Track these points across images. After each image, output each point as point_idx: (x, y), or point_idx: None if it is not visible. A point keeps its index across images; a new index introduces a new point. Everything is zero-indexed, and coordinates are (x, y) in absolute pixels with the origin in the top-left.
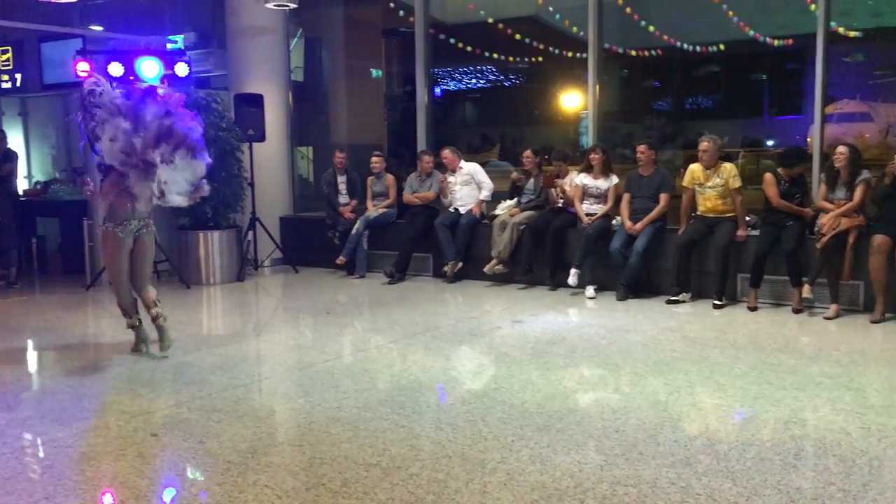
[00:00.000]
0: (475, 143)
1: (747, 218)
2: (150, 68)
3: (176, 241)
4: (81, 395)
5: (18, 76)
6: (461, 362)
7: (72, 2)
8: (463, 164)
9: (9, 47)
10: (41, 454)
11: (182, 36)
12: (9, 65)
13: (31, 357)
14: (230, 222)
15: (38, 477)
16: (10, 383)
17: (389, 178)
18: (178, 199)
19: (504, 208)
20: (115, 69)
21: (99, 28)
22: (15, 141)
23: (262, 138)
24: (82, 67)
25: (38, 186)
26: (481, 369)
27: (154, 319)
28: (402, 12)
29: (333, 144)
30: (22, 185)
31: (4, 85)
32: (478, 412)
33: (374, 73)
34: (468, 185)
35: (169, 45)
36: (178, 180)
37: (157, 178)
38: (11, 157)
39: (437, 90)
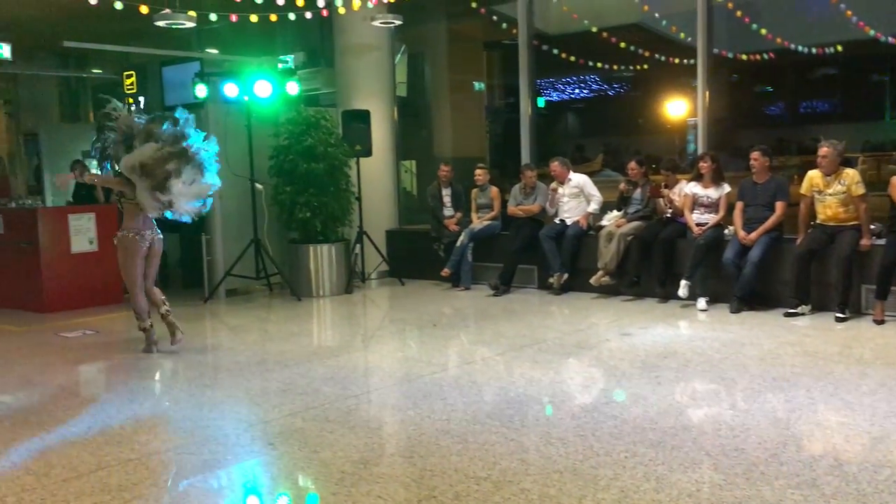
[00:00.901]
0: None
1: (872, 226)
2: (263, 88)
3: (287, 255)
4: (201, 404)
5: (142, 99)
6: (569, 375)
7: (190, 28)
8: (572, 175)
9: (133, 72)
10: (165, 461)
11: (292, 56)
12: (133, 88)
13: (155, 367)
14: (339, 236)
15: (164, 483)
16: (142, 392)
17: (494, 190)
18: (186, 214)
19: (611, 219)
20: (231, 90)
21: (215, 51)
22: None
23: (368, 153)
24: (201, 89)
25: None
26: (590, 383)
27: (165, 316)
28: (504, 25)
29: (436, 158)
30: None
31: (130, 107)
32: (588, 427)
33: (477, 86)
34: (577, 197)
35: (280, 66)
36: (187, 195)
37: (168, 192)
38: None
39: (540, 101)
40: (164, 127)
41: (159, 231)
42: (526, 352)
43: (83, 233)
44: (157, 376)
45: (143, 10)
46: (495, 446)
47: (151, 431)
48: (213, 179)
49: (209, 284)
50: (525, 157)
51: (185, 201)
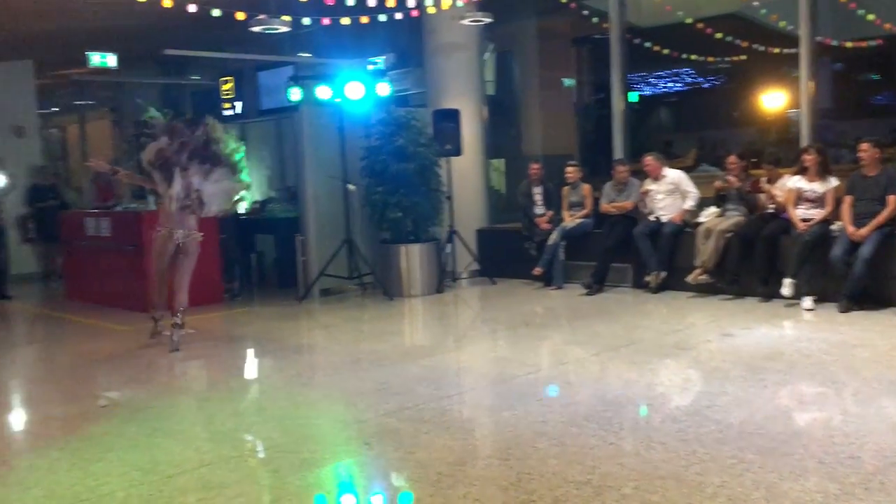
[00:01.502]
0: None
1: None
2: (354, 90)
3: (379, 255)
4: (299, 403)
5: (239, 104)
6: (668, 377)
7: (284, 32)
8: (666, 171)
9: (231, 77)
10: (265, 459)
11: (383, 57)
12: (231, 93)
13: (253, 366)
14: (429, 235)
15: (264, 481)
16: (242, 390)
17: (586, 187)
18: (215, 210)
19: (708, 215)
20: (324, 92)
21: (308, 55)
22: None
23: (458, 152)
24: (295, 92)
25: (257, 205)
26: (690, 385)
27: (174, 325)
28: (595, 19)
29: (525, 156)
30: (243, 204)
31: (227, 112)
32: (691, 431)
33: (566, 82)
34: (672, 194)
35: (370, 67)
36: (217, 193)
37: (194, 190)
38: None
39: (632, 96)
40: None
41: (195, 232)
42: (622, 352)
43: None
44: (256, 375)
45: (240, 16)
46: (594, 450)
47: (251, 429)
48: (242, 179)
49: (304, 284)
50: (617, 153)
51: (215, 199)
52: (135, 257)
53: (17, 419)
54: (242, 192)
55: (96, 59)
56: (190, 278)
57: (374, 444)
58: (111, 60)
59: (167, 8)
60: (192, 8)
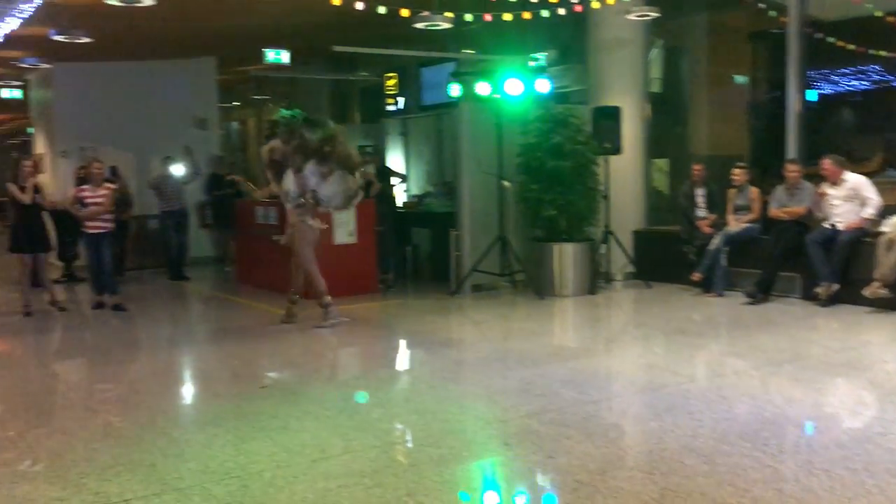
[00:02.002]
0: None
1: None
2: (514, 86)
3: (531, 253)
4: (442, 398)
5: (401, 99)
6: (837, 398)
7: (447, 29)
8: (846, 175)
9: (395, 73)
10: (405, 451)
11: (544, 53)
12: (395, 89)
13: (402, 357)
14: (584, 235)
15: (403, 473)
16: (389, 380)
17: (753, 190)
18: (334, 206)
19: (891, 225)
20: (483, 88)
21: (470, 51)
22: (395, 159)
23: (617, 151)
24: (455, 88)
25: (414, 199)
26: (862, 408)
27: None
28: (773, 13)
29: (691, 156)
30: (401, 198)
31: (390, 108)
32: (859, 459)
33: (738, 79)
34: (850, 200)
35: (531, 63)
36: (335, 195)
37: (310, 190)
38: (386, 174)
39: (811, 94)
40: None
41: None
42: (785, 368)
43: (343, 225)
44: (403, 366)
45: (404, 13)
46: (747, 471)
47: (395, 420)
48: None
49: (456, 279)
50: (790, 155)
51: (333, 199)
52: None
53: (185, 394)
54: (360, 194)
55: (271, 55)
56: (309, 269)
57: (514, 445)
58: (284, 57)
59: (337, 6)
60: (359, 5)
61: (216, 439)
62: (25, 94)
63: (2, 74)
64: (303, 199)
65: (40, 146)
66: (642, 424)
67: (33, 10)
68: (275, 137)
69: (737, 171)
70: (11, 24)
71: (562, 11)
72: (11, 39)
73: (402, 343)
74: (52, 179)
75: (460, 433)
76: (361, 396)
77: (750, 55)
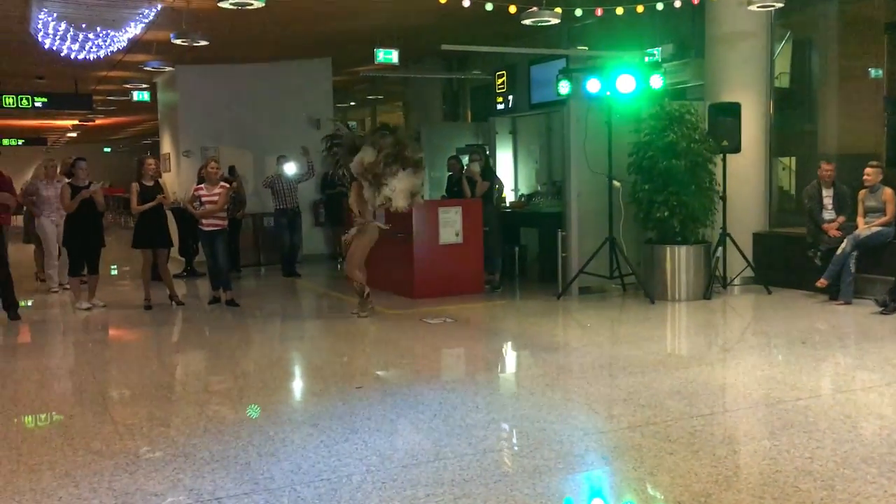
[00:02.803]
0: None
1: None
2: (626, 83)
3: (642, 255)
4: (540, 405)
5: (511, 97)
6: None
7: (556, 25)
8: None
9: (504, 71)
10: (498, 460)
11: (660, 48)
12: (504, 88)
13: (504, 360)
14: (698, 237)
15: (494, 484)
16: (488, 385)
17: (887, 191)
18: (401, 205)
19: None
20: (593, 85)
21: (584, 48)
22: (505, 157)
23: (736, 149)
24: (564, 86)
25: (523, 199)
26: None
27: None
28: None
29: (820, 154)
30: (510, 197)
31: (499, 106)
32: None
33: (873, 73)
34: None
35: (646, 59)
36: (401, 191)
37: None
38: (492, 174)
39: None
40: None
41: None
42: None
43: (451, 225)
44: (503, 371)
45: (512, 9)
46: (870, 500)
47: (489, 427)
48: (422, 176)
49: (563, 281)
50: None
51: (398, 196)
52: (404, 245)
53: (285, 392)
54: (422, 192)
55: (381, 54)
56: (360, 261)
57: (613, 459)
58: (394, 56)
59: (444, 5)
60: (466, 3)
61: (310, 439)
62: (153, 97)
63: (131, 77)
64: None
65: (166, 146)
66: (754, 443)
67: (154, 15)
68: (339, 148)
69: (869, 170)
70: (135, 30)
71: (678, 4)
72: (137, 44)
73: (505, 346)
74: (176, 178)
75: (557, 443)
76: (457, 400)
77: (886, 47)
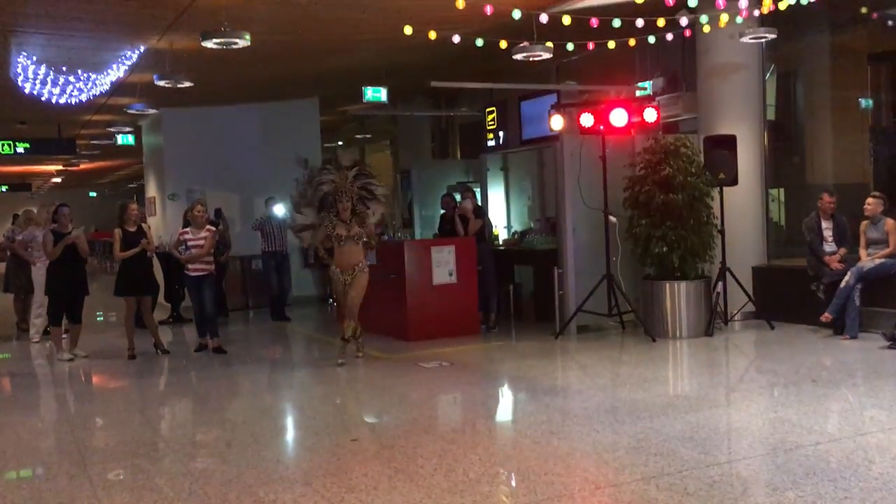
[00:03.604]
0: None
1: None
2: (618, 117)
3: (641, 292)
4: (547, 455)
5: (501, 133)
6: None
7: (548, 60)
8: None
9: (494, 108)
10: None
11: (651, 82)
12: (494, 124)
13: (503, 406)
14: (698, 272)
15: None
16: (488, 434)
17: (890, 223)
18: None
19: None
20: (586, 119)
21: (573, 83)
22: (496, 195)
23: (733, 182)
24: (556, 121)
25: (515, 236)
26: None
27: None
28: None
29: (809, 185)
30: (502, 235)
31: (490, 143)
32: None
33: (864, 103)
34: None
35: (637, 92)
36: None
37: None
38: (482, 213)
39: None
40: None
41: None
42: None
43: (444, 265)
44: (504, 418)
45: (503, 44)
46: None
47: (494, 482)
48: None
49: (561, 319)
50: None
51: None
52: (397, 286)
53: (275, 447)
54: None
55: (369, 93)
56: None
57: None
58: (383, 94)
59: (434, 41)
60: (456, 38)
61: (304, 500)
62: (138, 140)
63: (115, 121)
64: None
65: (151, 190)
66: (778, 494)
67: (137, 57)
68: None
69: (871, 200)
70: (118, 72)
71: (669, 37)
72: (120, 86)
73: (503, 390)
74: (162, 222)
75: (567, 499)
76: (458, 452)
77: (870, 77)
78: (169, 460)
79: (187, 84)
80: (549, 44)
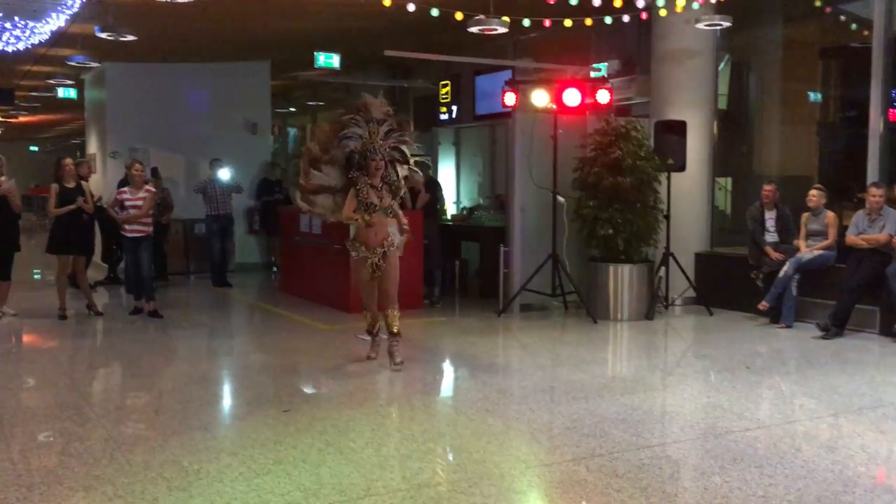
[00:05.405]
0: None
1: None
2: (572, 97)
3: (585, 274)
4: (480, 433)
5: (455, 108)
6: None
7: (504, 34)
8: None
9: (449, 81)
10: (434, 496)
11: (605, 64)
12: (448, 97)
13: (441, 383)
14: (642, 256)
15: None
16: (424, 410)
17: (830, 215)
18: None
19: None
20: (539, 98)
21: (529, 60)
22: (447, 169)
23: (682, 168)
24: (509, 97)
25: (464, 212)
26: None
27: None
28: (854, 26)
29: (756, 176)
30: (451, 210)
31: (443, 116)
32: None
33: (813, 96)
34: None
35: (592, 74)
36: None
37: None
38: (435, 186)
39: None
40: None
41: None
42: (866, 415)
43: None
44: (441, 394)
45: (459, 16)
46: None
47: (425, 458)
48: None
49: (504, 297)
50: (871, 178)
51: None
52: (339, 256)
53: (204, 416)
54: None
55: (322, 58)
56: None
57: (556, 496)
58: (335, 61)
59: (389, 9)
60: (411, 7)
61: (228, 470)
62: (80, 94)
63: (56, 73)
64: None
65: (93, 146)
66: (705, 479)
67: (79, 6)
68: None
69: (813, 192)
70: (58, 21)
71: (626, 18)
72: (62, 37)
73: (442, 366)
74: (103, 180)
75: (498, 478)
76: (391, 427)
77: (821, 71)
78: (93, 425)
79: (130, 38)
80: (506, 18)
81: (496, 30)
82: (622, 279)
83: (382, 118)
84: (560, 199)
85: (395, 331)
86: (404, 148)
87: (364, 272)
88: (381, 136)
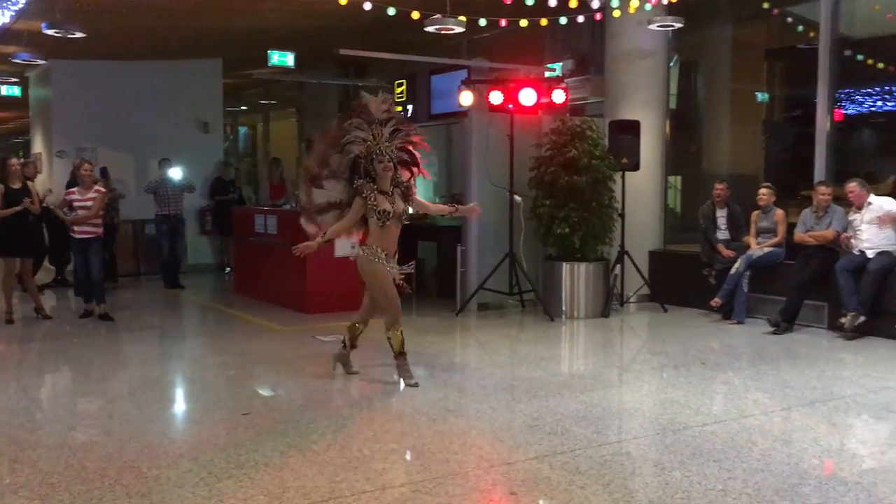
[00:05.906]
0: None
1: None
2: (527, 96)
3: (542, 272)
4: (442, 433)
5: (410, 107)
6: (879, 448)
7: (460, 33)
8: (873, 199)
9: (404, 80)
10: (400, 497)
11: (560, 64)
12: (403, 97)
13: (401, 384)
14: (598, 254)
15: None
16: (384, 411)
17: (779, 213)
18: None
19: None
20: (495, 97)
21: (484, 60)
22: None
23: (636, 167)
24: (466, 97)
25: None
26: None
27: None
28: (800, 27)
29: (705, 174)
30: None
31: None
32: None
33: (760, 96)
34: (878, 224)
35: (547, 74)
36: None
37: None
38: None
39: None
40: None
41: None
42: (818, 409)
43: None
44: (400, 394)
45: (415, 15)
46: None
47: (388, 459)
48: None
49: (461, 297)
50: (818, 176)
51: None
52: (297, 257)
53: (161, 420)
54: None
55: (275, 57)
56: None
57: (521, 494)
58: (290, 60)
59: (344, 7)
60: (367, 6)
61: (188, 476)
62: (24, 92)
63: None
64: None
65: (38, 145)
66: (665, 474)
67: (25, 3)
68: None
69: (763, 190)
70: (2, 17)
71: (581, 19)
72: (7, 34)
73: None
74: (48, 180)
75: (462, 477)
76: (354, 429)
77: (766, 72)
78: (45, 432)
79: (79, 35)
80: (462, 17)
81: (453, 30)
82: (578, 277)
83: (385, 118)
84: (516, 198)
85: (402, 349)
86: (412, 149)
87: (386, 282)
88: (385, 137)
